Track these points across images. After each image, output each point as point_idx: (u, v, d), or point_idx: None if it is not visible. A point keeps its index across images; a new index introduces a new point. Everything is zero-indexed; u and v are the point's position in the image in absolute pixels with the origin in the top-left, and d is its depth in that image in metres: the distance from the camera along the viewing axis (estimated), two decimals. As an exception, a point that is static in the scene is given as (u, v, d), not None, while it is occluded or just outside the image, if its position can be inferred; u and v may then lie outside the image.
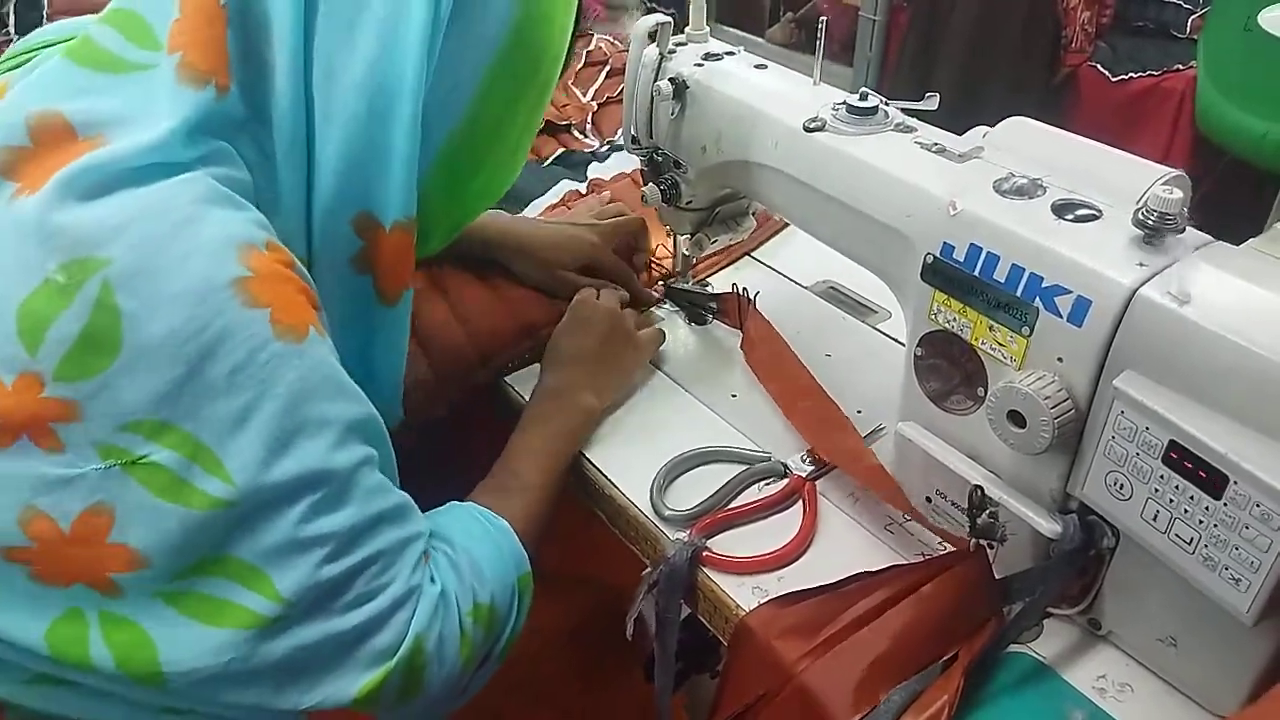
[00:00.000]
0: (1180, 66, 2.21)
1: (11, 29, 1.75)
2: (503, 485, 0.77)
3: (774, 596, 0.67)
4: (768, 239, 1.10)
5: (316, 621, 0.58)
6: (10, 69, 0.66)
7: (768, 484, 0.78)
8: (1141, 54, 2.31)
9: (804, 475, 0.78)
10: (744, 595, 0.69)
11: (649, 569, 0.74)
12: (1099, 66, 2.31)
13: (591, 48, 1.39)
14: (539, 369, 0.88)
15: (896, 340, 0.94)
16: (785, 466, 0.79)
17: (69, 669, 0.57)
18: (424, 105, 0.62)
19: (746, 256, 1.08)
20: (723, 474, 0.79)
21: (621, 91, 1.27)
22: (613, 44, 1.42)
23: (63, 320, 0.54)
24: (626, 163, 1.18)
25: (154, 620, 0.56)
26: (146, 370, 0.54)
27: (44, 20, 1.75)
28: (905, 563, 0.69)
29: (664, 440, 0.83)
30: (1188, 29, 2.31)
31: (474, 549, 0.68)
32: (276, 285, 0.58)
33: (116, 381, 0.54)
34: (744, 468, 0.79)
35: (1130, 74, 2.26)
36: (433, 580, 0.64)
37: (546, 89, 0.71)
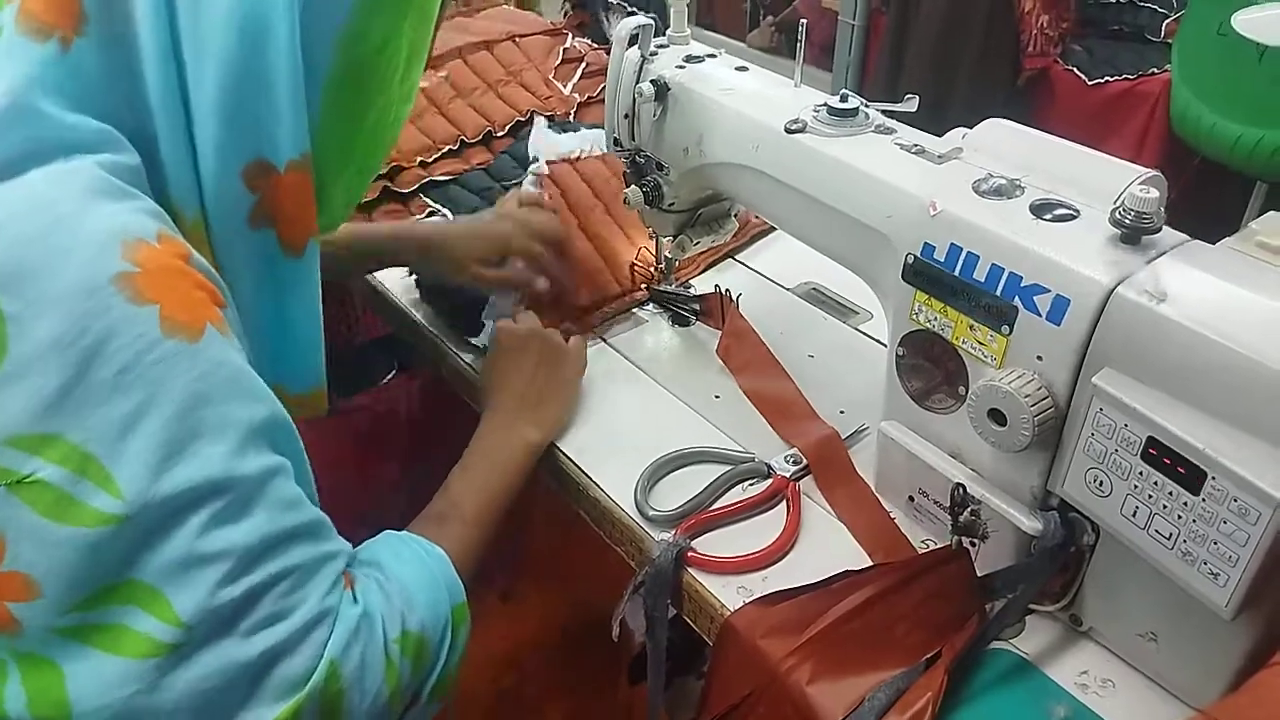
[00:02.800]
0: (1155, 70, 2.23)
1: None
2: (441, 515, 0.74)
3: (759, 596, 0.68)
4: (750, 241, 1.10)
5: (220, 646, 0.53)
6: None
7: (751, 484, 0.79)
8: (1117, 58, 2.34)
9: (787, 475, 0.78)
10: (729, 595, 0.69)
11: (636, 572, 0.74)
12: (1075, 70, 2.33)
13: (567, 45, 1.39)
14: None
15: (878, 341, 0.94)
16: (769, 467, 0.80)
17: None
18: (300, 31, 0.58)
19: (729, 259, 1.09)
20: (707, 475, 0.79)
21: (600, 92, 1.28)
22: (589, 45, 1.42)
23: None
24: (580, 142, 1.14)
25: (60, 654, 0.52)
26: (30, 377, 0.50)
27: None
28: (888, 561, 0.69)
29: (647, 441, 0.83)
30: (1162, 33, 2.34)
31: (405, 574, 0.64)
32: (168, 280, 0.54)
33: (1, 393, 0.51)
34: (728, 468, 0.79)
35: (1105, 78, 2.29)
36: (355, 601, 0.59)
37: (428, 10, 0.67)
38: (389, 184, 1.09)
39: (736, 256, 1.09)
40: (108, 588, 0.52)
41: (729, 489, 0.78)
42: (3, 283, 0.51)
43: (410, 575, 0.64)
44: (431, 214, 1.09)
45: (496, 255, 0.93)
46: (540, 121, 1.16)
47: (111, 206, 0.54)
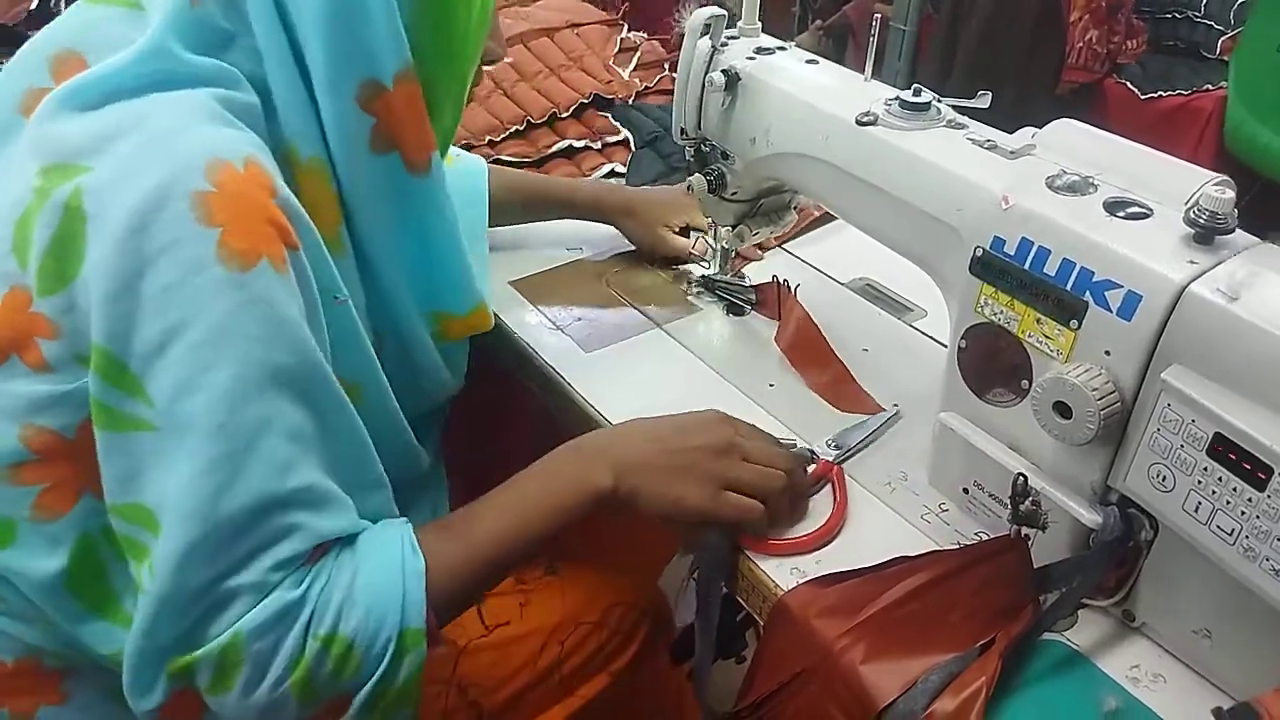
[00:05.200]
0: (1210, 86, 2.22)
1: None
2: (460, 530, 0.67)
3: (813, 577, 0.69)
4: (800, 233, 1.11)
5: (180, 578, 0.55)
6: None
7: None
8: (1170, 73, 2.32)
9: (831, 459, 0.79)
10: (782, 576, 0.70)
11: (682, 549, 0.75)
12: (1128, 84, 2.32)
13: (624, 35, 1.42)
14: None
15: (932, 338, 0.95)
16: (812, 452, 0.80)
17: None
18: None
19: (780, 249, 1.10)
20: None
21: (658, 82, 1.30)
22: (644, 36, 1.44)
23: (39, 227, 0.56)
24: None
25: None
26: (95, 283, 0.54)
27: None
28: (945, 549, 0.70)
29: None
30: (1218, 50, 2.32)
31: (368, 578, 0.60)
32: (239, 206, 0.56)
33: (82, 297, 0.55)
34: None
35: (1159, 92, 2.28)
36: (297, 584, 0.58)
37: None
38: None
39: (792, 250, 1.10)
40: (133, 505, 0.56)
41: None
42: (94, 189, 0.55)
43: (371, 582, 0.60)
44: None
45: (681, 223, 1.02)
46: None
47: (210, 129, 0.58)
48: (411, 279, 0.69)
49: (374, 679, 0.59)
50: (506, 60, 1.28)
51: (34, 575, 0.60)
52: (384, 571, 0.60)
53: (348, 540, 0.62)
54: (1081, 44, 2.33)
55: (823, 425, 0.84)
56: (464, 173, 0.97)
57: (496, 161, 1.13)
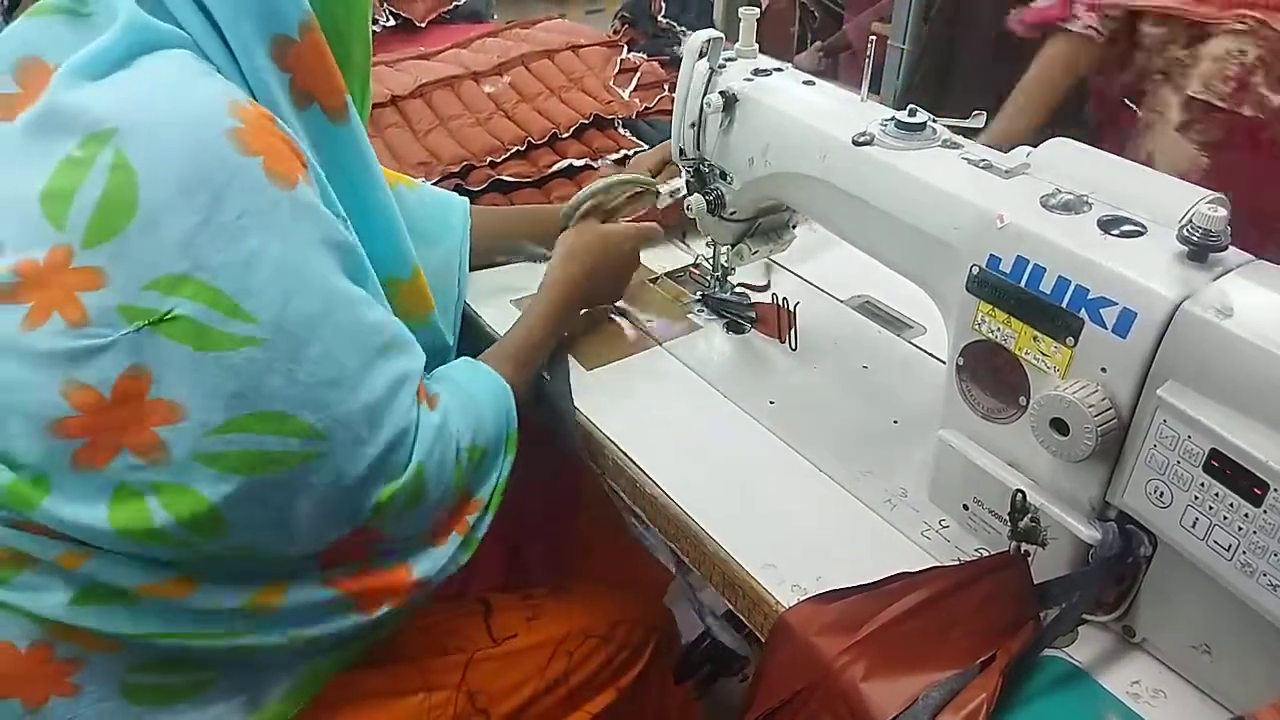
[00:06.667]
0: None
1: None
2: (515, 355, 0.87)
3: (813, 594, 0.69)
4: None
5: (349, 448, 0.66)
6: None
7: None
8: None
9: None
10: (783, 592, 0.71)
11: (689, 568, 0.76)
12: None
13: (624, 56, 1.43)
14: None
15: (931, 354, 0.95)
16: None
17: (137, 543, 0.62)
18: None
19: (783, 270, 1.10)
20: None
21: (658, 103, 1.31)
22: (643, 58, 1.45)
23: (84, 190, 0.59)
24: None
25: (203, 482, 0.62)
26: (163, 225, 0.59)
27: None
28: (945, 565, 0.71)
29: (703, 444, 0.85)
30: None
31: (481, 398, 0.79)
32: (266, 136, 0.63)
33: (137, 241, 0.59)
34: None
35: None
36: (432, 411, 0.72)
37: None
38: (461, 182, 1.12)
39: (791, 268, 1.11)
40: (241, 414, 0.61)
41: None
42: (131, 143, 0.60)
43: (485, 399, 0.79)
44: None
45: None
46: None
47: (210, 80, 0.64)
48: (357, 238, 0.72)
49: (496, 474, 0.80)
50: (507, 81, 1.30)
51: (76, 522, 0.62)
52: (489, 395, 0.80)
53: (447, 377, 0.80)
54: None
55: (825, 442, 0.84)
56: (443, 205, 0.99)
57: (498, 182, 1.14)
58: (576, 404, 0.89)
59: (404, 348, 0.72)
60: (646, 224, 1.02)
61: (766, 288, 1.04)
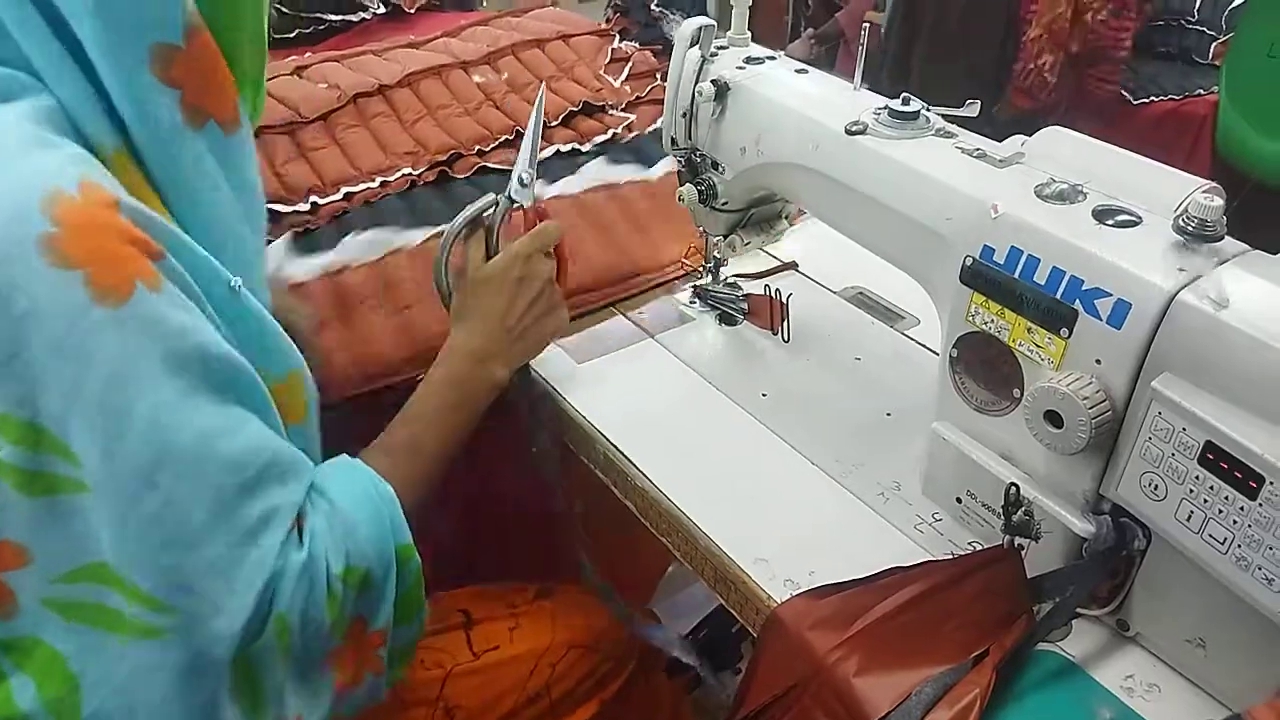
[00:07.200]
0: (1202, 91, 2.23)
1: None
2: (398, 448, 0.75)
3: (806, 589, 0.68)
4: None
5: (197, 614, 0.55)
6: None
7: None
8: (1161, 78, 2.33)
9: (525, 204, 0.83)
10: (775, 587, 0.70)
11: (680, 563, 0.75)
12: (1120, 89, 2.32)
13: (615, 45, 1.41)
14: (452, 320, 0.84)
15: (925, 346, 0.95)
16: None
17: None
18: None
19: (775, 260, 1.09)
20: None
21: (649, 92, 1.30)
22: (635, 47, 1.44)
23: None
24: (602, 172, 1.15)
25: (56, 636, 0.54)
26: None
27: None
28: (938, 559, 0.70)
29: (695, 437, 0.84)
30: (1210, 55, 2.33)
31: (353, 511, 0.64)
32: (92, 239, 0.52)
33: None
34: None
35: (1152, 98, 2.28)
36: (300, 545, 0.60)
37: None
38: (448, 170, 1.11)
39: (778, 256, 1.10)
40: (86, 566, 0.53)
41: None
42: None
43: (358, 513, 0.65)
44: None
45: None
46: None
47: (28, 160, 0.52)
48: (239, 245, 0.63)
49: (389, 596, 0.66)
50: (498, 73, 1.28)
51: None
52: (363, 503, 0.66)
53: (315, 489, 0.64)
54: (1033, 65, 2.17)
55: (816, 434, 0.84)
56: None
57: (483, 169, 1.13)
58: (567, 396, 0.89)
59: (282, 475, 0.60)
60: (535, 230, 0.84)
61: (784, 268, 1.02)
